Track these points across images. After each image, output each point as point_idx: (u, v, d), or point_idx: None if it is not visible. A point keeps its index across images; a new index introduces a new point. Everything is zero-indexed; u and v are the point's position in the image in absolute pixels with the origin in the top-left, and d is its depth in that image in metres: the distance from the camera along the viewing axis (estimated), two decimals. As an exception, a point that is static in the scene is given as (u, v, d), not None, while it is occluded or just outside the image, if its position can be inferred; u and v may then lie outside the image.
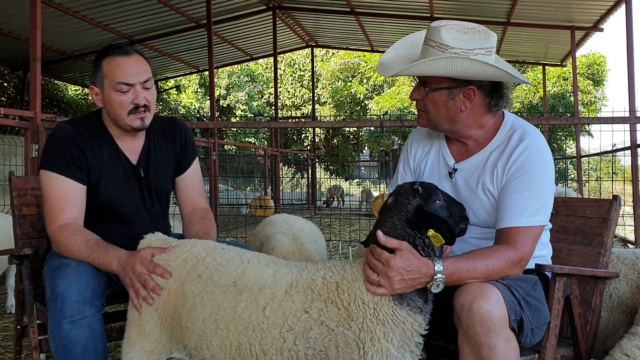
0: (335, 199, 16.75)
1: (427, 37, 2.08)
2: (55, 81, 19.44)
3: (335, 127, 29.47)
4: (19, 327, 2.70)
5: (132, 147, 2.49)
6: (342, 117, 27.06)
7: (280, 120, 22.22)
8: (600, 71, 26.13)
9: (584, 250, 2.39)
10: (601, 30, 11.74)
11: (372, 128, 27.62)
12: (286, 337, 1.78)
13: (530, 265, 2.13)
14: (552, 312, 2.03)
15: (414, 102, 2.25)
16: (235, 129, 25.78)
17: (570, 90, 25.50)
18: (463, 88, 2.07)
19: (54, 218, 2.27)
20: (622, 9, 9.50)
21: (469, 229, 2.15)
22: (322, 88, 29.85)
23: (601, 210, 2.39)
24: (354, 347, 1.74)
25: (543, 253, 2.24)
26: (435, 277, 1.80)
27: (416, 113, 2.28)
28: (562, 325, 2.17)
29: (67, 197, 2.30)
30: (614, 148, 7.86)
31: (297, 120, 27.68)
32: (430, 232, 1.80)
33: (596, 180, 12.69)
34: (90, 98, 21.57)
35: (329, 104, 29.61)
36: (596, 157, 13.24)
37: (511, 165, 2.07)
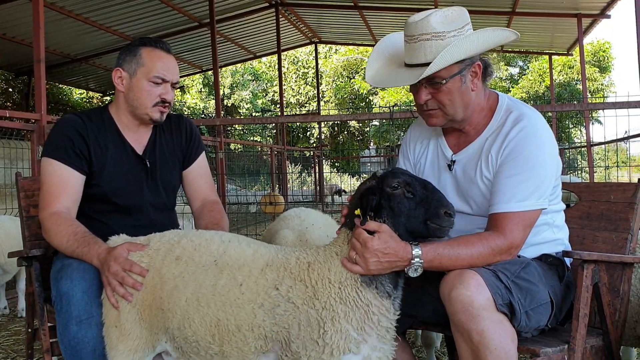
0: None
1: (415, 33, 1.99)
2: (60, 85, 19.46)
3: (340, 124, 29.46)
4: (30, 330, 2.66)
5: (138, 139, 2.49)
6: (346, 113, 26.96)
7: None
8: (606, 58, 25.90)
9: (609, 236, 2.31)
10: (608, 16, 11.60)
11: (378, 123, 27.52)
12: (257, 313, 1.83)
13: (555, 250, 2.08)
14: (580, 301, 1.95)
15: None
16: (240, 129, 25.75)
17: (575, 79, 25.30)
18: (470, 67, 2.04)
19: (48, 204, 2.26)
20: (629, -7, 9.36)
21: (471, 219, 2.10)
22: (326, 85, 29.74)
23: (626, 195, 2.31)
24: (314, 326, 1.78)
25: (559, 236, 2.17)
26: (412, 261, 1.79)
27: None
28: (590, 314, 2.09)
29: (64, 185, 2.29)
30: (627, 135, 7.74)
31: (304, 115, 27.63)
32: (358, 211, 1.83)
33: (605, 168, 12.56)
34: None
35: (331, 102, 29.46)
36: (602, 146, 13.07)
37: (504, 148, 2.02)
